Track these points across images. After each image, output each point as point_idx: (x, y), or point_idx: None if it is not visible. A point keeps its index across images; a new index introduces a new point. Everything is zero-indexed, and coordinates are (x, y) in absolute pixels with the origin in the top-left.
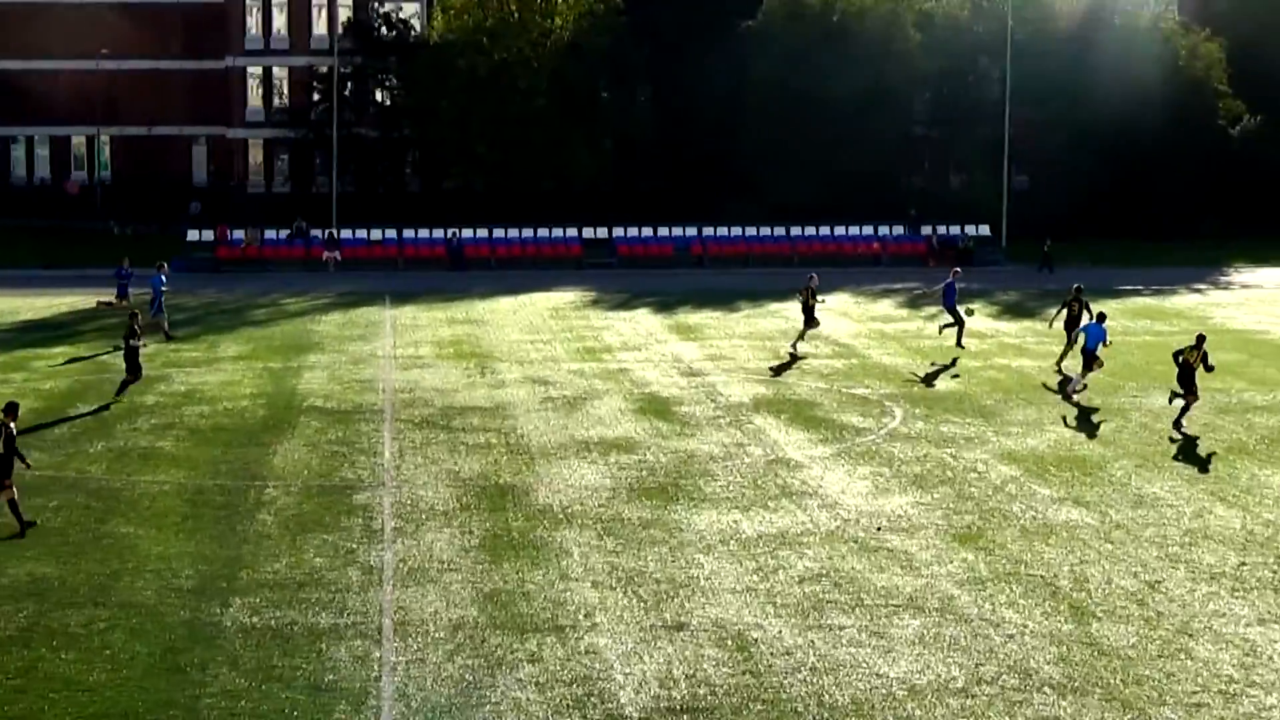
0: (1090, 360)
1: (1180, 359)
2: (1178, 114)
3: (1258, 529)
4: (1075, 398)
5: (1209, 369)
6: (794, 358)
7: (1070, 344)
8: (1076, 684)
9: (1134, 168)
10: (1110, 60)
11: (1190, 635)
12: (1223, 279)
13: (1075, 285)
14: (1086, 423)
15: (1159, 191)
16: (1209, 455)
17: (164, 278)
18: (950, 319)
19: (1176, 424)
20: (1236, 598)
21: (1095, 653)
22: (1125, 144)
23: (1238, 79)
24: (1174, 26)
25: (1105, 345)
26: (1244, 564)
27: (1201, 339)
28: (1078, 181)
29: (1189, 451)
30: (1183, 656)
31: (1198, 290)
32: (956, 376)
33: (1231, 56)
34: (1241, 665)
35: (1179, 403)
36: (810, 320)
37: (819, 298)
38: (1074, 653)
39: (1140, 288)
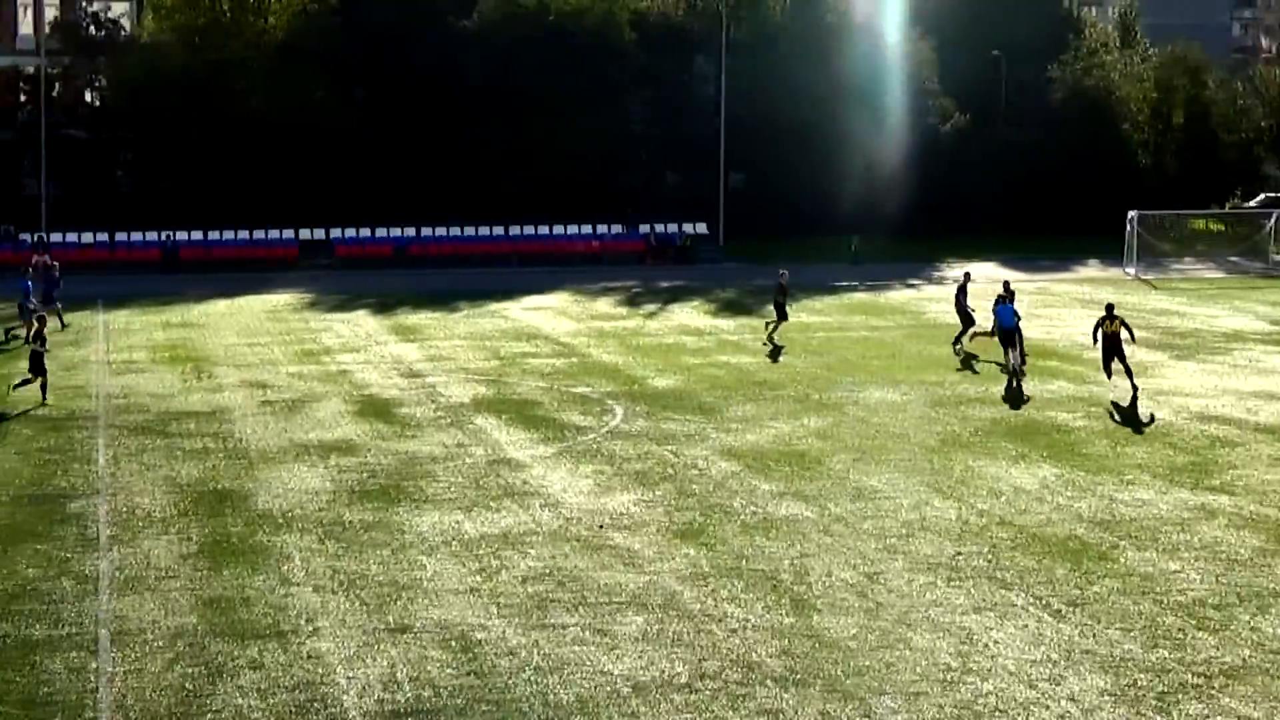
0: (1009, 339)
1: (1099, 332)
2: (890, 112)
3: (973, 519)
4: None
5: (1133, 337)
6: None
7: (968, 326)
8: (799, 676)
9: (849, 165)
10: (824, 59)
11: (909, 625)
12: (935, 274)
13: (1004, 281)
14: (804, 417)
15: (875, 188)
16: (925, 447)
17: None
18: (960, 319)
19: (1133, 404)
20: (953, 587)
21: (817, 645)
22: (840, 141)
23: (946, 78)
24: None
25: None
26: (960, 554)
27: (1110, 307)
28: (794, 179)
29: (905, 444)
30: (902, 646)
31: (912, 285)
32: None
33: (941, 56)
34: (959, 653)
35: (1122, 383)
36: (781, 315)
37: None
38: (796, 645)
39: (856, 283)
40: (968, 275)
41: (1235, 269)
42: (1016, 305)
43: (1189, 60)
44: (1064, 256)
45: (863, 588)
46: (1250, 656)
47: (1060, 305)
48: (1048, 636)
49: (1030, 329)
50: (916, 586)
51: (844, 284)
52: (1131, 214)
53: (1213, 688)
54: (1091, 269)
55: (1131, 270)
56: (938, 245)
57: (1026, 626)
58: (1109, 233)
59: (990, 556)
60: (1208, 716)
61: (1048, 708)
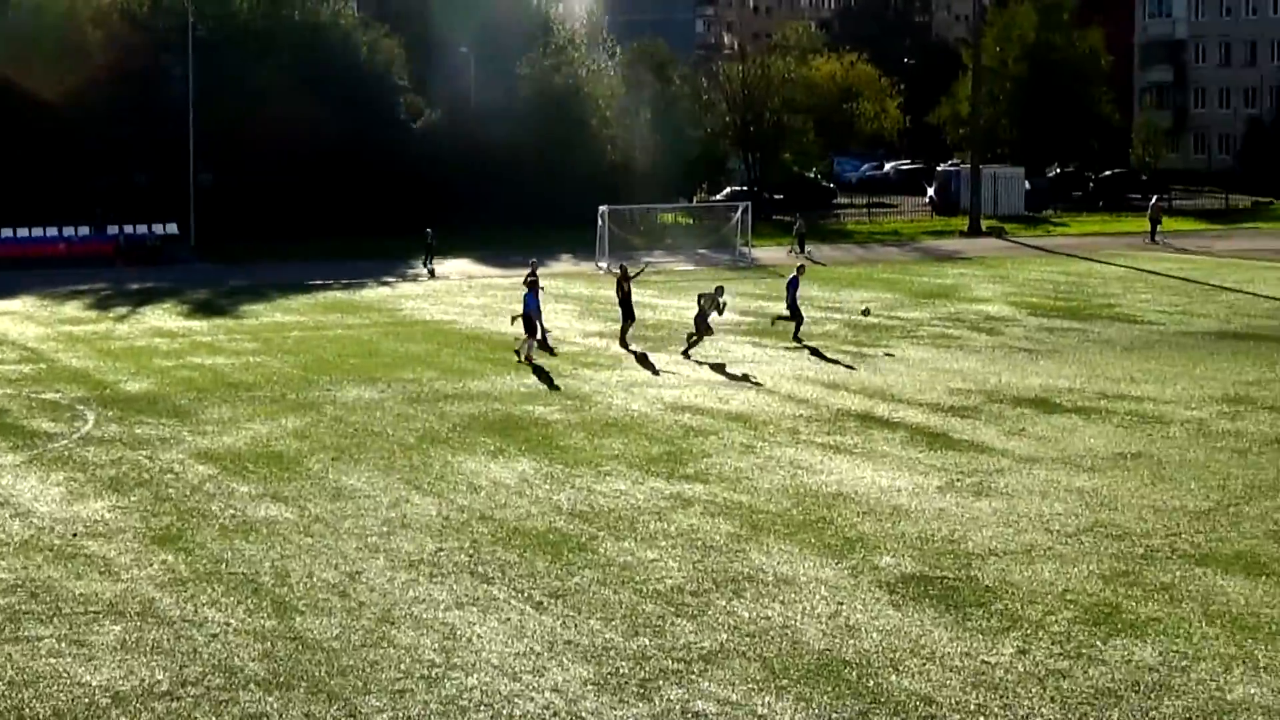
0: (531, 326)
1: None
2: (362, 110)
3: (453, 515)
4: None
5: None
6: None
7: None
8: (282, 679)
9: (322, 164)
10: (293, 56)
11: (392, 623)
12: (410, 271)
13: (621, 264)
14: (281, 418)
15: (349, 188)
16: (404, 444)
17: None
18: (788, 313)
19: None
20: (435, 583)
21: (299, 646)
22: (312, 140)
23: (417, 75)
24: (354, 22)
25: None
26: (441, 549)
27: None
28: (267, 178)
29: (384, 442)
30: (386, 645)
31: (387, 284)
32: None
33: (410, 53)
34: (442, 649)
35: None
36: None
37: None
38: (278, 648)
39: (331, 282)
40: (800, 269)
41: (705, 261)
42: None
43: (655, 56)
44: (541, 251)
45: (344, 587)
46: (728, 640)
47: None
48: (530, 629)
49: (506, 325)
50: (398, 584)
51: (319, 283)
52: (602, 208)
53: (693, 672)
54: (565, 263)
55: (603, 264)
56: (415, 244)
57: (509, 620)
58: (581, 227)
59: (471, 551)
60: (688, 700)
61: (532, 699)
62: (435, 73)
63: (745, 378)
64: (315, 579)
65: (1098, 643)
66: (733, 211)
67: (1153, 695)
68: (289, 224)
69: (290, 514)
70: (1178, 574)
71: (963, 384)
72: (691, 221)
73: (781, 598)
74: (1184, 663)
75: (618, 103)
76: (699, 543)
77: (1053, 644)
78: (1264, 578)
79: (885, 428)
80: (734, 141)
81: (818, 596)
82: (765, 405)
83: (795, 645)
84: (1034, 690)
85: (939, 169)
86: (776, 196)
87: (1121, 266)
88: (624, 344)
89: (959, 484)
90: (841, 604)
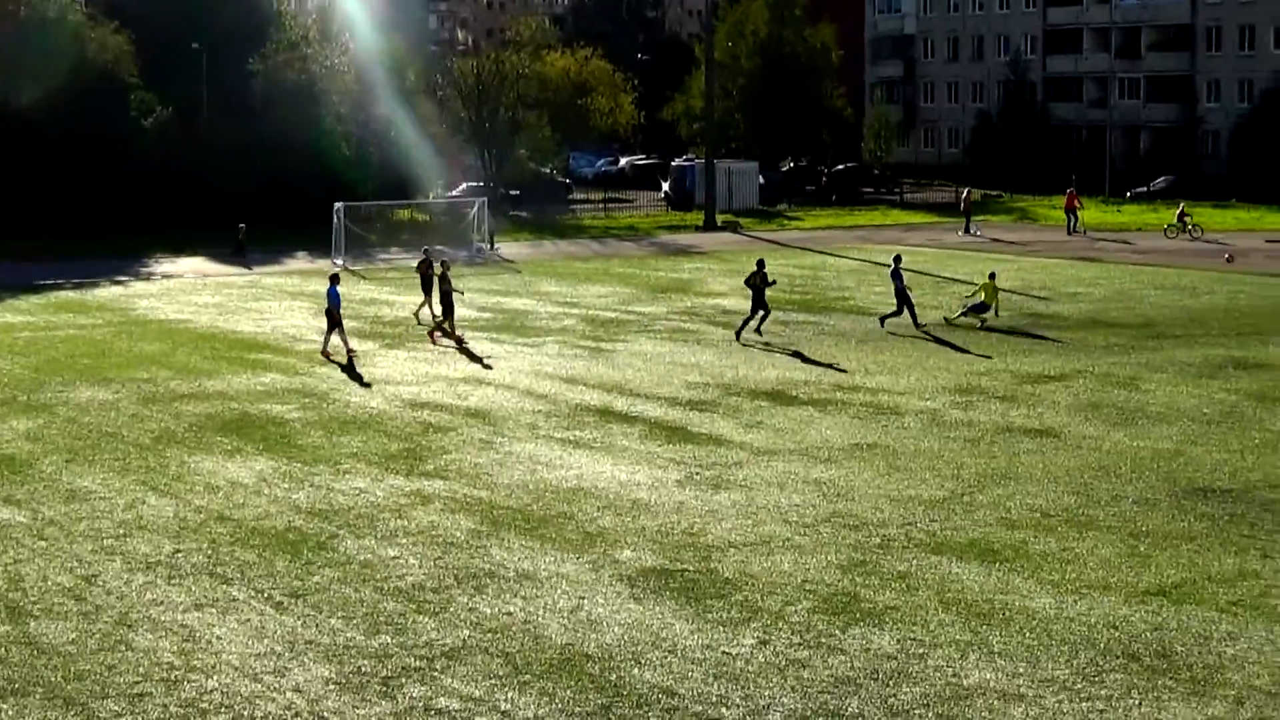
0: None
1: (750, 282)
2: (92, 107)
3: (190, 515)
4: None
5: (772, 283)
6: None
7: (428, 303)
8: (17, 685)
9: (52, 162)
10: (19, 52)
11: (129, 626)
12: (144, 270)
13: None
14: (11, 420)
15: (80, 186)
16: (139, 445)
17: None
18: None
19: (758, 329)
20: (173, 585)
21: (34, 652)
22: (39, 138)
23: (148, 72)
24: (81, 18)
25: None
26: (179, 551)
27: (761, 262)
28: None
29: (118, 443)
30: (123, 648)
31: (120, 282)
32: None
33: (141, 49)
34: (181, 651)
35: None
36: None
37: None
38: (12, 654)
39: (62, 282)
40: (898, 259)
41: (442, 257)
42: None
43: (391, 54)
44: (274, 249)
45: (80, 591)
46: (470, 636)
47: (271, 298)
48: (270, 629)
49: (242, 323)
50: (135, 587)
51: (48, 283)
52: (338, 206)
53: (435, 669)
54: (300, 261)
55: (340, 261)
56: (155, 242)
57: (249, 620)
58: (318, 224)
59: (210, 552)
60: (431, 698)
61: (273, 700)
62: (166, 69)
63: (480, 360)
64: (50, 583)
65: (836, 632)
66: (469, 208)
67: (891, 682)
68: (17, 223)
69: (23, 517)
70: (914, 562)
71: (700, 378)
72: (428, 218)
73: (523, 593)
74: (921, 650)
75: (351, 99)
76: (440, 539)
77: (792, 634)
78: (997, 564)
79: (624, 422)
80: (470, 138)
81: (559, 591)
82: (504, 401)
83: (537, 640)
84: (774, 680)
85: (674, 164)
86: (513, 192)
87: (854, 260)
88: (442, 333)
89: (698, 477)
90: (583, 598)
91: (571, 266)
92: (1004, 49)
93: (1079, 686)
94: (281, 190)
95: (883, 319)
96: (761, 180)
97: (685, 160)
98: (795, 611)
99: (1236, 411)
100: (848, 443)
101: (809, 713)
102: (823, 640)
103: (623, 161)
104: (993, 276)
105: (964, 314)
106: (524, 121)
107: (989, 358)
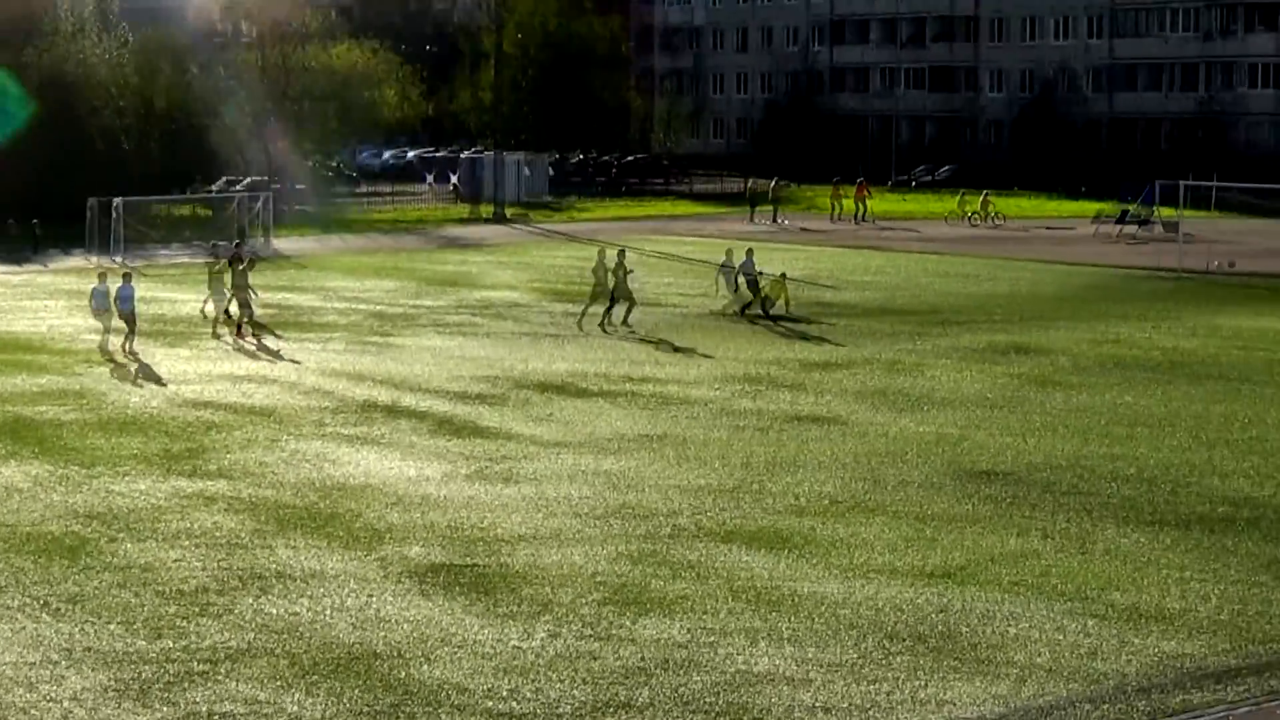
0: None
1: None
2: None
3: None
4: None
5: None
6: None
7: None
8: None
9: None
10: None
11: None
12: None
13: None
14: None
15: None
16: None
17: None
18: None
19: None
20: None
21: None
22: None
23: None
24: None
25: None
26: None
27: (622, 252)
28: None
29: None
30: None
31: None
32: None
33: None
34: None
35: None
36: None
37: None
38: None
39: None
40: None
41: (224, 253)
42: None
43: (170, 45)
44: (50, 246)
45: None
46: (255, 639)
47: (47, 297)
48: (47, 637)
49: (16, 323)
50: None
51: None
52: (116, 201)
53: (219, 673)
54: (77, 259)
55: (119, 259)
56: None
57: (24, 628)
58: (97, 221)
59: None
60: (215, 701)
61: (49, 709)
62: None
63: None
64: None
65: (628, 623)
66: (253, 202)
67: (682, 671)
68: None
69: None
70: (704, 551)
71: (489, 371)
72: (211, 213)
73: (310, 593)
74: (711, 638)
75: (130, 92)
76: (224, 541)
77: (584, 626)
78: (786, 552)
79: (412, 417)
80: (254, 131)
81: (347, 590)
82: (290, 399)
83: (326, 640)
84: (565, 673)
85: (463, 156)
86: (298, 186)
87: (644, 252)
88: (238, 330)
89: (487, 471)
90: (372, 596)
91: (359, 261)
92: (793, 40)
93: (867, 670)
94: (58, 186)
95: (742, 309)
96: (551, 172)
97: (474, 152)
98: (586, 603)
99: (1018, 396)
100: (638, 434)
101: (600, 704)
102: (614, 631)
103: (411, 154)
104: (784, 277)
105: (738, 309)
106: (309, 114)
107: (786, 343)
